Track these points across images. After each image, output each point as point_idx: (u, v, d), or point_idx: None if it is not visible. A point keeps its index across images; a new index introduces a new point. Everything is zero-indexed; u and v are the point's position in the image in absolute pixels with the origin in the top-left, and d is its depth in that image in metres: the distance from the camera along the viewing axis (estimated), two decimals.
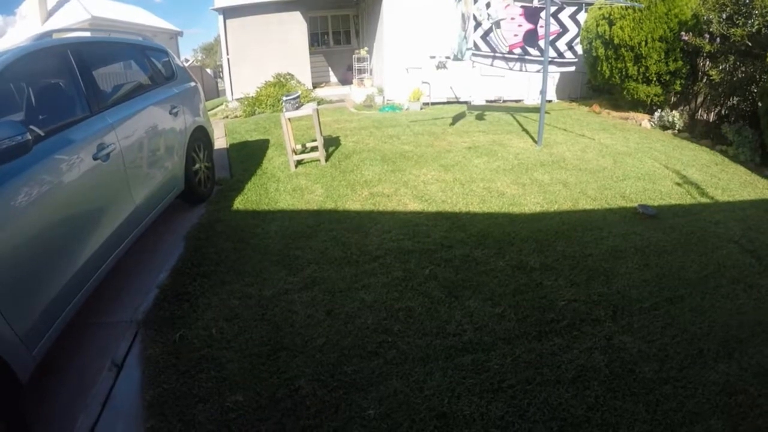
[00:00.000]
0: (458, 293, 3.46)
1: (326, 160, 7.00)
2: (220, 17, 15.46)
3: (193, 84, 6.03)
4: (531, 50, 7.78)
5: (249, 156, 7.99)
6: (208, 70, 34.87)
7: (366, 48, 15.47)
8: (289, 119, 6.68)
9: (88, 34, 4.98)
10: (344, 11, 17.97)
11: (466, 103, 12.73)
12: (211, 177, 6.12)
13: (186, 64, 33.51)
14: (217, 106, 17.04)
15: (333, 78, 18.95)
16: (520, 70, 8.04)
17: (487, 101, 12.95)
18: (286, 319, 3.29)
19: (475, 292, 3.46)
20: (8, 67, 3.09)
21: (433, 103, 12.49)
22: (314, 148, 7.21)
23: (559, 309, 3.25)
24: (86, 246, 3.23)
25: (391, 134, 8.69)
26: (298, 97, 6.74)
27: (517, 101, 13.07)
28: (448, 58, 12.23)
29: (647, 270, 3.74)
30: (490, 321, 3.15)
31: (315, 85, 16.68)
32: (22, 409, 2.40)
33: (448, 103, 12.80)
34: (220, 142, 9.29)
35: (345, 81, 17.61)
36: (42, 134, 3.02)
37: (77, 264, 3.10)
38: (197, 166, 5.64)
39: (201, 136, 5.86)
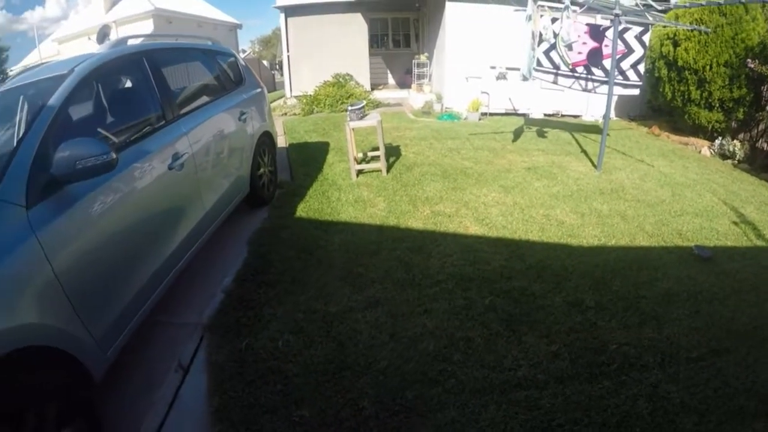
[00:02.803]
0: (516, 327, 3.49)
1: (387, 172, 7.07)
2: (282, 15, 15.72)
3: (260, 89, 6.17)
4: (594, 70, 7.68)
5: (309, 159, 8.13)
6: (265, 62, 35.39)
7: (426, 54, 15.49)
8: (352, 129, 6.76)
9: (143, 40, 5.10)
10: (405, 14, 18.05)
11: (524, 115, 12.63)
12: (273, 180, 6.27)
13: (243, 56, 34.04)
14: (275, 101, 17.23)
15: (391, 80, 19.03)
16: (583, 90, 7.94)
17: (545, 115, 12.81)
18: (350, 338, 3.37)
19: (532, 328, 3.48)
20: (88, 76, 3.18)
21: (491, 114, 12.42)
22: (375, 158, 7.30)
23: (611, 352, 3.25)
24: (159, 252, 3.36)
25: (451, 147, 8.71)
26: (363, 107, 6.84)
27: (575, 116, 12.87)
28: (509, 70, 12.20)
29: (697, 317, 3.68)
30: (544, 359, 3.17)
31: (373, 87, 16.80)
32: (95, 407, 2.49)
33: (507, 114, 12.73)
34: (279, 140, 9.36)
35: (403, 84, 17.67)
36: (121, 144, 3.13)
37: (151, 270, 3.22)
38: (262, 170, 5.78)
39: (266, 140, 6.00)
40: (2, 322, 1.96)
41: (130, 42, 4.05)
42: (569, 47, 7.31)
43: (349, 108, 6.78)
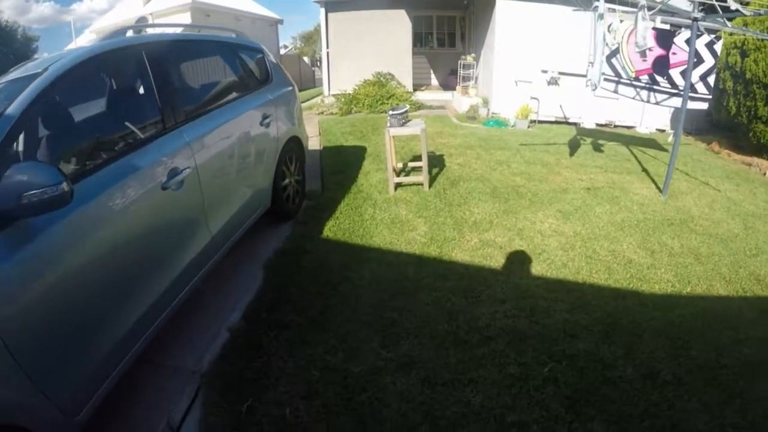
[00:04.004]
0: (580, 409, 2.73)
1: (429, 186, 6.36)
2: (322, 10, 15.32)
3: (290, 88, 5.51)
4: (660, 79, 6.85)
5: (343, 166, 7.52)
6: (305, 59, 35.19)
7: (473, 54, 14.75)
8: (393, 136, 6.06)
9: (173, 30, 4.49)
10: (451, 12, 17.35)
11: (575, 124, 11.80)
12: (300, 191, 5.62)
13: (283, 51, 33.89)
14: (313, 98, 16.94)
15: (434, 81, 18.35)
16: (645, 101, 7.10)
17: (598, 125, 11.92)
18: (374, 413, 2.68)
19: (599, 411, 2.72)
20: (64, 77, 2.55)
21: (541, 122, 11.63)
22: (416, 169, 6.61)
23: None
24: (146, 294, 2.77)
25: (500, 159, 7.96)
26: (406, 112, 6.07)
27: (629, 127, 11.94)
28: (561, 74, 11.41)
29: None
30: None
31: (415, 88, 16.16)
32: None
33: (557, 122, 11.90)
34: (313, 141, 8.86)
35: (446, 85, 16.93)
36: (96, 164, 2.54)
37: (134, 316, 2.65)
38: (287, 180, 5.15)
39: (294, 147, 5.36)
40: None
41: (130, 33, 3.42)
42: (643, 53, 6.48)
43: (390, 112, 6.04)
